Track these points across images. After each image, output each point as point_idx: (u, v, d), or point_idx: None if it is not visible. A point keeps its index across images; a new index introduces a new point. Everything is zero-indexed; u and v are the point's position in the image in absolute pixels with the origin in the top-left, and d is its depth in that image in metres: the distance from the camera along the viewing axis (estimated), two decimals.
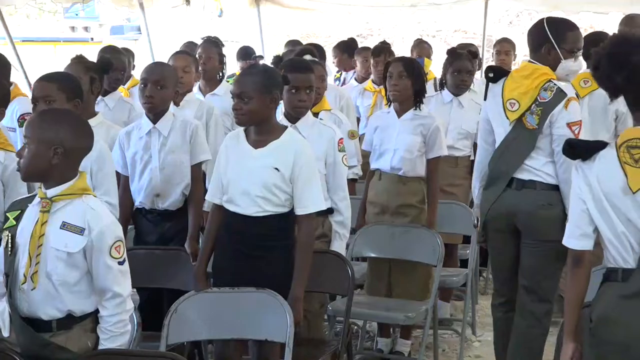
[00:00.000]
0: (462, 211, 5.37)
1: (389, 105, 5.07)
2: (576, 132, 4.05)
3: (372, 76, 6.91)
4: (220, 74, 6.00)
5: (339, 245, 4.26)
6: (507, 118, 4.16)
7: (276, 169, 3.67)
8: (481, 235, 4.40)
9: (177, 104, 5.09)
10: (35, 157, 3.02)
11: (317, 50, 6.45)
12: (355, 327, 5.23)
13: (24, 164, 3.05)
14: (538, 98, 4.09)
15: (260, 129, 3.73)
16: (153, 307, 4.22)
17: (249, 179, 3.69)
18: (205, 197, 3.98)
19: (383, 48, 6.60)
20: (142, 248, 4.34)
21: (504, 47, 7.43)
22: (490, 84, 4.27)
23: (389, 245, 4.80)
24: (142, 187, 4.36)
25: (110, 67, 4.73)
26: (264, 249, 3.70)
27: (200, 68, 5.67)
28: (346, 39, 8.21)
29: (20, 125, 5.03)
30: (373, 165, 5.09)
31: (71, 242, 3.01)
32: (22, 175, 3.12)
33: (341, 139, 4.30)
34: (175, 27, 12.55)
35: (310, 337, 4.25)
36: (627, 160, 2.76)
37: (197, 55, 5.76)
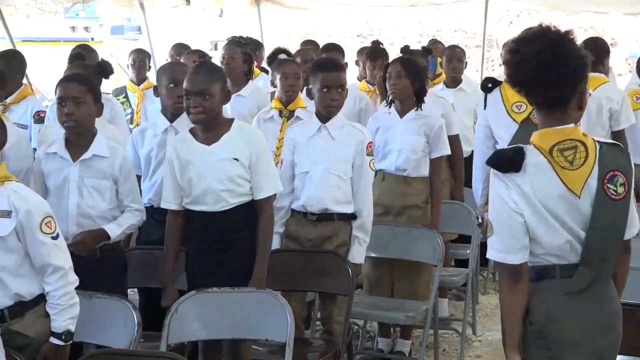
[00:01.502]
0: (461, 211, 5.37)
1: (390, 106, 5.07)
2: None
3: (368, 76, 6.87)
4: (247, 74, 5.94)
5: (358, 251, 4.24)
6: (514, 120, 4.33)
7: (235, 159, 3.73)
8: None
9: None
10: None
11: (338, 50, 6.49)
12: (356, 327, 5.23)
13: None
14: None
15: (209, 126, 3.78)
16: (153, 307, 4.21)
17: (212, 175, 3.74)
18: (161, 205, 3.98)
19: (379, 50, 6.57)
20: (142, 248, 4.33)
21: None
22: (487, 94, 4.50)
23: (390, 245, 4.80)
24: (154, 184, 4.33)
25: (111, 71, 4.73)
26: (230, 241, 3.75)
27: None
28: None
29: (36, 122, 5.44)
30: (376, 166, 5.07)
31: (0, 226, 3.07)
32: None
33: (370, 142, 4.29)
34: (176, 27, 12.56)
35: (330, 339, 4.23)
36: (564, 164, 2.70)
37: (221, 56, 5.72)
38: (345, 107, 5.28)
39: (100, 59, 5.08)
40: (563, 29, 2.78)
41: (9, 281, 3.10)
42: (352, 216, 4.24)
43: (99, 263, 3.74)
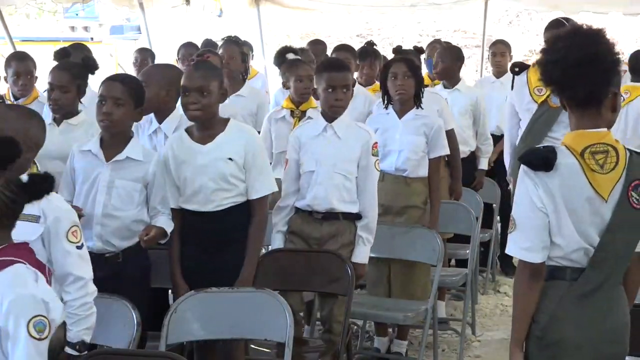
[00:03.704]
0: (462, 211, 5.37)
1: (387, 107, 5.06)
2: None
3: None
4: (243, 74, 5.92)
5: (362, 251, 4.23)
6: (535, 101, 4.99)
7: (230, 159, 3.75)
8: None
9: None
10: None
11: (348, 51, 6.45)
12: (355, 327, 5.23)
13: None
14: None
15: (207, 124, 3.80)
16: (153, 307, 4.21)
17: (205, 175, 3.76)
18: None
19: (369, 51, 6.56)
20: None
21: (499, 48, 7.41)
22: (515, 76, 5.15)
23: (389, 245, 4.79)
24: None
25: (96, 67, 4.71)
26: (225, 242, 3.77)
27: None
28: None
29: None
30: None
31: (27, 231, 3.02)
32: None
33: (375, 142, 4.29)
34: (175, 27, 12.54)
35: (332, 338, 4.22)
36: (594, 167, 2.69)
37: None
38: (355, 110, 5.30)
39: (84, 56, 5.04)
40: (594, 26, 2.78)
41: None
42: (357, 216, 4.24)
43: (121, 267, 3.72)
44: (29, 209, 2.99)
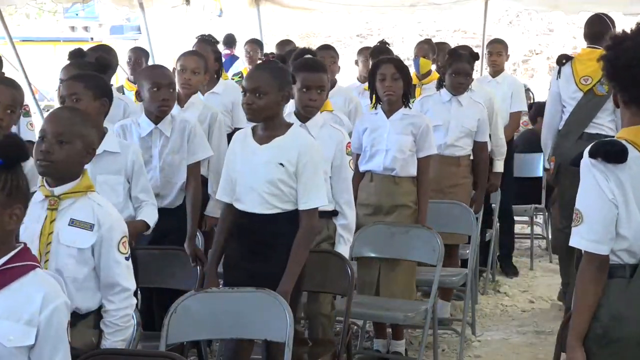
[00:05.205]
0: (462, 211, 5.37)
1: (375, 107, 5.07)
2: None
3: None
4: (217, 72, 5.93)
5: (342, 249, 4.23)
6: (580, 90, 5.55)
7: (281, 164, 3.69)
8: (555, 176, 5.70)
9: (181, 105, 5.10)
10: (76, 155, 3.08)
11: (332, 50, 6.47)
12: (355, 327, 5.23)
13: (60, 159, 3.05)
14: None
15: (267, 125, 3.75)
16: (152, 307, 4.22)
17: (255, 176, 3.72)
18: (216, 196, 3.99)
19: (382, 49, 6.58)
20: (140, 248, 4.32)
21: (496, 47, 7.40)
22: (561, 67, 5.70)
23: (388, 245, 4.80)
24: None
25: (109, 67, 4.73)
26: (272, 247, 3.71)
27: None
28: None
29: (24, 116, 5.35)
30: (363, 167, 5.08)
31: (81, 238, 3.04)
32: (47, 170, 3.07)
33: (349, 142, 4.30)
34: (175, 27, 12.57)
35: (322, 338, 4.24)
36: None
37: None
38: (335, 108, 5.30)
39: (98, 55, 5.05)
40: None
41: (74, 293, 3.00)
42: (333, 213, 4.22)
43: None
44: (83, 216, 3.04)
